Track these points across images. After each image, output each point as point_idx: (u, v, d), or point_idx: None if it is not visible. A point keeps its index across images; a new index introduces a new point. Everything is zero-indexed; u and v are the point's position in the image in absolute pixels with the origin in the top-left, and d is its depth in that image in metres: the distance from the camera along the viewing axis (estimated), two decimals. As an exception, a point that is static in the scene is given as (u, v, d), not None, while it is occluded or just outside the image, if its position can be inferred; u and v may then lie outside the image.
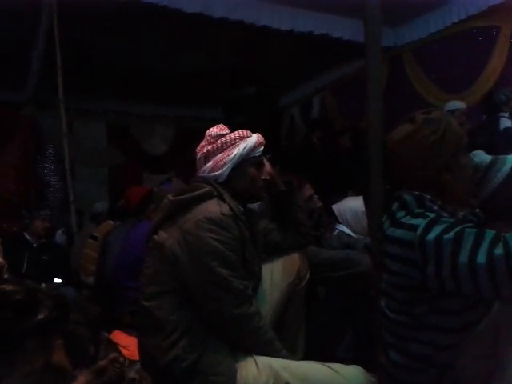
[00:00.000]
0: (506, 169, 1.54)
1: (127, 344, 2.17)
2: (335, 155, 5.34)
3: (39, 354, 0.53)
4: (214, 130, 1.77)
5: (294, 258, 1.92)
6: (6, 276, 0.95)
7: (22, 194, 5.90)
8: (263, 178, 1.82)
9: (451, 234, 1.14)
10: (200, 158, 1.78)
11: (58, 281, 3.56)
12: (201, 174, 1.76)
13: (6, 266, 0.94)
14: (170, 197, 1.73)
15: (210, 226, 1.57)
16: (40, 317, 0.53)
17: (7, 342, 0.50)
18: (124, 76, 5.54)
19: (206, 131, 1.80)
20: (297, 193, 2.04)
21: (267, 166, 1.87)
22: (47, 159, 6.42)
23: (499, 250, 1.07)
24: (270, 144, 1.88)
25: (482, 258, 1.08)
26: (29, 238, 3.99)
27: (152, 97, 6.67)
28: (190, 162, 2.07)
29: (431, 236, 1.17)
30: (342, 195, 3.06)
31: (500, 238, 1.10)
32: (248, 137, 1.76)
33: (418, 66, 5.14)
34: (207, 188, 1.68)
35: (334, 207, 2.61)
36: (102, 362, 1.36)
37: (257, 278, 1.77)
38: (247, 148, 1.73)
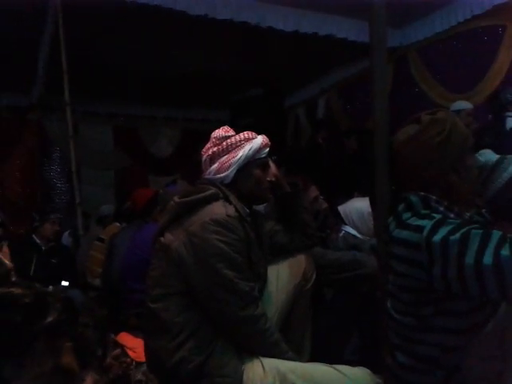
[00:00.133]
0: (511, 169, 1.54)
1: (134, 346, 2.17)
2: (341, 156, 5.34)
3: (48, 357, 0.53)
4: (220, 132, 1.77)
5: (300, 260, 1.92)
6: (13, 279, 0.96)
7: (29, 196, 5.94)
8: (268, 179, 1.82)
9: (457, 235, 1.14)
10: (205, 159, 1.78)
11: (65, 283, 3.58)
12: (206, 176, 1.77)
13: (13, 268, 0.95)
14: (176, 199, 1.73)
15: (216, 227, 1.57)
16: (49, 320, 0.53)
17: (17, 345, 0.51)
18: (129, 79, 5.56)
19: (211, 132, 1.81)
20: (302, 194, 2.04)
21: (273, 167, 1.87)
22: (53, 162, 6.46)
23: (506, 251, 1.07)
24: (276, 145, 1.88)
25: (488, 259, 1.08)
26: (38, 240, 4.02)
27: (158, 99, 6.69)
28: (196, 164, 2.07)
29: (437, 237, 1.17)
30: (348, 196, 3.05)
31: (506, 238, 1.10)
32: (253, 138, 1.76)
33: (424, 66, 5.12)
34: (213, 190, 1.68)
35: (340, 208, 2.60)
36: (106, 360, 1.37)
37: (263, 279, 1.77)
38: (252, 150, 1.73)
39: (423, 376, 1.32)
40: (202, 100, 6.60)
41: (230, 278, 1.55)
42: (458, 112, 4.10)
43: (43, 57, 4.48)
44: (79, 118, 6.05)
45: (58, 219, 4.18)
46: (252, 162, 1.75)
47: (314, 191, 2.61)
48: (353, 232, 2.51)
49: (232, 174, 1.72)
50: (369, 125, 4.71)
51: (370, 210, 2.38)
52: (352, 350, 2.32)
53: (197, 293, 1.60)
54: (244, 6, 4.16)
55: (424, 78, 5.11)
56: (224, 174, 1.72)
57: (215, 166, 1.74)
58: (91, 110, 6.59)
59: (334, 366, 1.59)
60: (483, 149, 1.79)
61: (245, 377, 1.53)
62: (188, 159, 6.64)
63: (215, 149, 1.75)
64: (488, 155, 1.65)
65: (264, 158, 1.79)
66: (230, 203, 1.67)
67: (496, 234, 1.11)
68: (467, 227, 1.16)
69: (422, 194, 1.32)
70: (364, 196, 2.71)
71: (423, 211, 1.28)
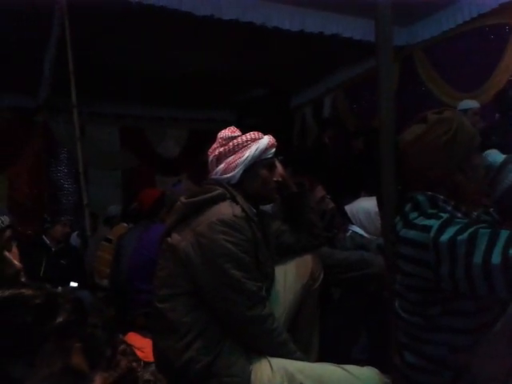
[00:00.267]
0: None
1: (142, 346, 2.18)
2: (347, 156, 5.33)
3: (58, 357, 0.53)
4: (226, 132, 1.78)
5: (307, 260, 1.92)
6: (23, 279, 0.97)
7: (36, 197, 5.97)
8: (275, 179, 1.82)
9: (465, 234, 1.14)
10: (212, 160, 1.78)
11: (73, 284, 3.60)
12: (213, 177, 1.77)
13: (23, 269, 0.96)
14: (183, 199, 1.74)
15: (223, 228, 1.57)
16: (59, 320, 0.54)
17: (27, 346, 0.51)
18: (136, 79, 5.58)
19: (217, 133, 1.81)
20: (308, 194, 2.04)
21: (279, 167, 1.88)
22: (61, 163, 6.49)
23: None
24: (282, 145, 1.88)
25: (496, 258, 1.07)
26: (48, 242, 4.05)
27: (164, 100, 6.71)
28: (203, 164, 2.08)
29: (445, 237, 1.16)
30: (355, 196, 3.04)
31: None
32: (259, 138, 1.76)
33: (430, 65, 5.10)
34: (220, 190, 1.68)
35: (347, 208, 2.60)
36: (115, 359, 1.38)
37: (270, 279, 1.78)
38: (259, 150, 1.73)
39: (431, 376, 1.31)
40: (208, 100, 6.61)
41: (238, 277, 1.55)
42: (465, 111, 4.08)
43: (50, 59, 4.50)
44: (86, 120, 6.08)
45: (69, 221, 4.22)
46: (258, 162, 1.75)
47: (320, 191, 2.60)
48: (360, 231, 2.50)
49: (238, 175, 1.72)
50: (375, 124, 4.70)
51: (376, 209, 2.38)
52: (360, 350, 2.32)
53: (204, 293, 1.60)
54: (249, 6, 4.16)
55: (430, 76, 5.09)
56: (230, 175, 1.72)
57: (222, 166, 1.74)
58: (98, 112, 6.61)
59: (342, 365, 1.59)
60: (490, 148, 1.78)
61: (253, 376, 1.53)
62: (194, 159, 6.65)
63: (222, 149, 1.75)
64: (494, 155, 1.65)
65: (270, 158, 1.79)
66: (237, 203, 1.68)
67: (504, 234, 1.11)
68: (475, 227, 1.15)
69: (429, 193, 1.31)
70: (371, 195, 2.71)
71: (430, 211, 1.28)
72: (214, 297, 1.59)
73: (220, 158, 1.75)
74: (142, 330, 2.38)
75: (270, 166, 1.80)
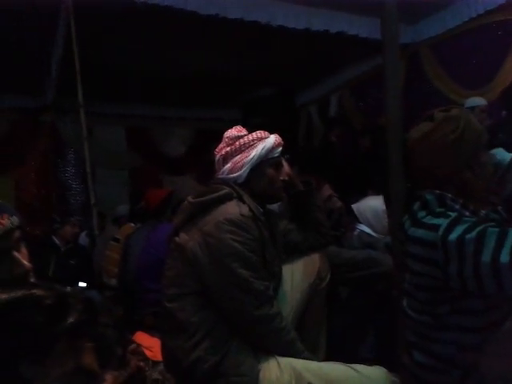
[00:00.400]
0: None
1: (150, 345, 2.18)
2: (354, 154, 5.31)
3: (70, 357, 0.54)
4: (232, 132, 1.78)
5: (315, 259, 1.92)
6: (32, 280, 0.98)
7: (44, 198, 6.00)
8: (282, 178, 1.82)
9: (473, 233, 1.13)
10: (219, 159, 1.79)
11: (82, 284, 3.62)
12: (220, 176, 1.77)
13: (32, 269, 0.96)
14: (190, 199, 1.74)
15: (230, 227, 1.58)
16: (70, 320, 0.54)
17: (39, 346, 0.52)
18: (142, 79, 5.59)
19: (223, 132, 1.81)
20: (315, 193, 2.04)
21: (286, 166, 1.87)
22: (68, 163, 6.52)
23: None
24: (288, 144, 1.88)
25: (505, 257, 1.07)
26: (57, 242, 4.07)
27: (170, 99, 6.72)
28: (209, 164, 2.08)
29: (453, 236, 1.16)
30: (362, 194, 3.04)
31: None
32: (266, 138, 1.77)
33: (437, 63, 5.07)
34: (226, 189, 1.69)
35: (354, 207, 2.59)
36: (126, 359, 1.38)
37: (277, 278, 1.78)
38: (265, 149, 1.73)
39: (440, 375, 1.31)
40: (214, 100, 6.61)
41: (245, 277, 1.56)
42: (472, 108, 4.05)
43: (56, 59, 4.53)
44: (93, 120, 6.10)
45: (78, 221, 4.25)
46: (265, 162, 1.75)
47: (327, 190, 2.61)
48: (367, 230, 2.50)
49: (245, 174, 1.73)
50: (382, 122, 4.68)
51: (384, 208, 2.38)
52: (368, 349, 2.32)
53: (212, 292, 1.61)
54: (255, 4, 4.16)
55: (437, 74, 5.06)
56: (237, 174, 1.73)
57: (228, 165, 1.74)
58: (104, 111, 6.63)
59: (350, 364, 1.59)
60: (497, 146, 1.78)
61: (261, 376, 1.53)
62: (200, 158, 6.66)
63: (228, 148, 1.75)
64: (503, 153, 1.64)
65: (277, 157, 1.79)
66: (244, 203, 1.68)
67: None
68: (483, 225, 1.15)
69: (437, 192, 1.31)
70: (378, 194, 2.70)
71: (438, 209, 1.28)
72: (222, 296, 1.59)
73: (226, 158, 1.76)
74: (150, 330, 2.38)
75: (277, 165, 1.80)
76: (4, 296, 0.52)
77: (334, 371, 1.56)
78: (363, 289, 2.32)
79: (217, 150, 1.80)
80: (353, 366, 1.58)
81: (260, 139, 1.75)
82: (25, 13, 3.76)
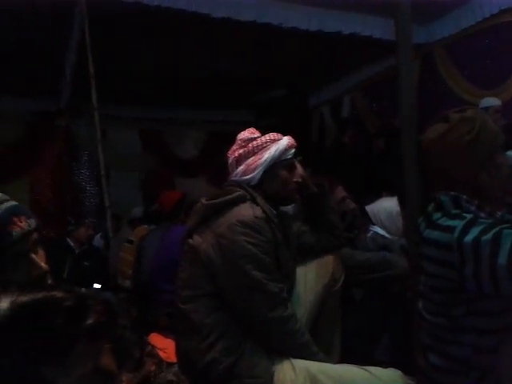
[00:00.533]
0: None
1: (164, 346, 2.20)
2: (368, 155, 5.28)
3: (89, 358, 0.55)
4: (245, 134, 1.78)
5: (328, 261, 1.92)
6: (49, 281, 0.99)
7: (59, 200, 6.07)
8: (295, 180, 1.82)
9: (489, 235, 1.12)
10: (232, 161, 1.79)
11: (97, 286, 3.65)
12: (233, 178, 1.78)
13: (49, 271, 0.98)
14: (204, 201, 1.75)
15: (244, 229, 1.58)
16: (89, 322, 0.55)
17: (59, 347, 0.52)
18: (154, 82, 5.63)
19: (236, 134, 1.82)
20: (329, 195, 2.03)
21: (299, 168, 1.87)
22: (83, 166, 6.59)
23: None
24: (300, 145, 1.88)
25: None
26: (71, 244, 4.11)
27: (183, 102, 6.75)
28: (221, 166, 2.09)
29: (469, 238, 1.15)
30: (376, 196, 3.02)
31: None
32: (279, 139, 1.77)
33: (451, 63, 5.03)
34: (240, 192, 1.69)
35: (368, 208, 2.58)
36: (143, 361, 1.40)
37: (291, 280, 1.77)
38: (278, 151, 1.73)
39: (456, 377, 1.30)
40: (226, 101, 6.63)
41: (259, 279, 1.56)
42: (486, 109, 4.01)
43: (70, 63, 4.58)
44: (106, 122, 6.16)
45: (92, 223, 4.28)
46: (278, 164, 1.75)
47: (341, 192, 2.60)
48: (381, 232, 2.48)
49: (258, 176, 1.73)
50: (396, 123, 4.66)
51: (398, 209, 2.36)
52: (382, 351, 2.30)
53: (225, 294, 1.61)
54: (267, 7, 4.17)
55: (451, 74, 5.02)
56: (250, 176, 1.73)
57: (241, 167, 1.75)
58: (118, 114, 6.69)
59: (364, 367, 1.58)
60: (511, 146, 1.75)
61: (275, 378, 1.53)
62: (213, 160, 6.68)
63: (241, 151, 1.75)
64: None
65: (290, 159, 1.79)
66: (257, 205, 1.68)
67: None
68: (499, 227, 1.14)
69: (453, 193, 1.30)
70: (392, 195, 2.69)
71: (454, 211, 1.27)
72: (236, 298, 1.60)
73: (240, 160, 1.76)
74: (164, 331, 2.39)
75: (290, 167, 1.80)
76: (25, 298, 0.53)
77: (349, 373, 1.56)
78: (378, 291, 2.31)
79: (230, 152, 1.81)
80: (367, 368, 1.57)
81: (273, 141, 1.75)
82: (39, 18, 3.81)
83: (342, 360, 1.82)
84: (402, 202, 1.59)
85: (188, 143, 7.54)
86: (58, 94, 5.54)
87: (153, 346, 2.18)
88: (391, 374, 1.57)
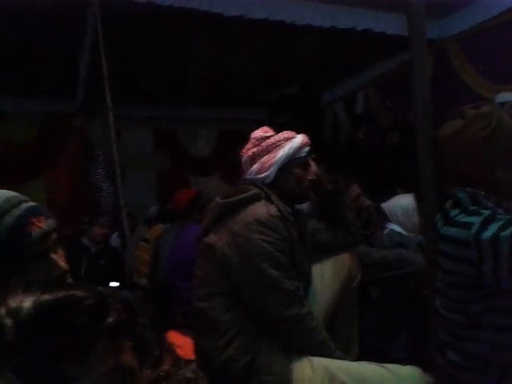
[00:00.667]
0: None
1: (182, 344, 2.20)
2: (382, 151, 5.25)
3: (110, 356, 0.55)
4: (259, 133, 1.79)
5: (344, 258, 1.91)
6: (69, 281, 1.01)
7: (75, 200, 6.14)
8: (309, 178, 1.82)
9: (508, 231, 1.11)
10: (246, 160, 1.80)
11: (114, 284, 3.68)
12: (247, 177, 1.78)
13: (69, 270, 0.99)
14: (219, 199, 1.76)
15: (259, 227, 1.59)
16: (110, 320, 0.56)
17: (80, 346, 0.53)
18: (167, 81, 5.65)
19: (248, 132, 1.82)
20: (344, 192, 2.03)
21: (313, 165, 1.87)
22: (98, 166, 6.65)
23: None
24: (314, 142, 1.88)
25: None
26: (87, 243, 4.14)
27: (195, 100, 6.77)
28: (235, 164, 2.09)
29: (487, 234, 1.14)
30: (391, 193, 3.00)
31: None
32: (293, 138, 1.77)
33: (465, 58, 4.98)
34: (255, 190, 1.70)
35: (384, 205, 2.56)
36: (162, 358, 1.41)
37: (307, 278, 1.78)
38: (292, 149, 1.74)
39: (475, 374, 1.29)
40: (239, 99, 6.63)
41: (275, 277, 1.56)
42: (502, 104, 3.96)
43: (84, 64, 4.62)
44: (120, 123, 6.20)
45: (107, 222, 4.31)
46: (292, 162, 1.75)
47: (356, 189, 2.59)
48: (398, 229, 2.47)
49: (273, 174, 1.73)
50: (410, 116, 4.62)
51: (414, 206, 2.35)
52: (400, 348, 2.29)
53: (241, 292, 1.62)
54: (280, 4, 4.16)
55: (465, 69, 4.96)
56: (265, 174, 1.73)
57: (256, 166, 1.75)
58: (131, 114, 6.73)
59: (383, 364, 1.58)
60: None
61: (293, 375, 1.54)
62: (226, 158, 6.70)
63: (255, 149, 1.76)
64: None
65: (304, 156, 1.79)
66: (272, 203, 1.68)
67: None
68: None
69: (470, 189, 1.29)
70: (407, 192, 2.67)
71: (471, 208, 1.26)
72: (251, 296, 1.60)
73: (254, 158, 1.77)
74: (182, 329, 2.41)
75: (304, 165, 1.80)
76: (47, 297, 0.54)
77: (368, 371, 1.55)
78: (395, 288, 2.29)
79: (244, 150, 1.82)
80: (386, 365, 1.57)
81: (287, 139, 1.75)
82: (53, 20, 3.86)
83: (360, 358, 1.82)
84: (418, 199, 1.58)
85: (201, 142, 7.56)
86: (72, 95, 5.60)
87: (170, 344, 2.20)
88: (410, 371, 1.57)
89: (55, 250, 0.99)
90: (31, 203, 0.95)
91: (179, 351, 2.13)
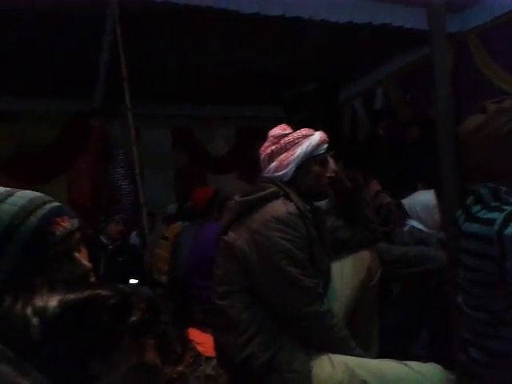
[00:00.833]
0: None
1: (202, 341, 2.22)
2: (402, 146, 5.20)
3: (134, 354, 0.56)
4: (277, 131, 1.79)
5: (364, 256, 1.90)
6: (92, 279, 1.02)
7: (96, 199, 6.22)
8: (328, 175, 1.81)
9: (531, 227, 1.10)
10: (264, 158, 1.80)
11: (133, 281, 3.71)
12: (266, 175, 1.79)
13: (92, 269, 1.01)
14: (237, 198, 1.76)
15: (278, 225, 1.59)
16: (134, 319, 0.56)
17: (105, 344, 0.54)
18: (185, 80, 5.68)
19: (266, 129, 1.83)
20: (363, 189, 2.01)
21: (331, 163, 1.86)
22: (118, 164, 6.72)
23: None
24: (332, 139, 1.87)
25: None
26: (105, 240, 4.19)
27: (213, 99, 6.79)
28: (252, 161, 2.09)
29: (510, 230, 1.13)
30: (412, 189, 2.97)
31: None
32: (311, 135, 1.76)
33: (486, 52, 4.89)
34: (273, 188, 1.70)
35: (404, 201, 2.54)
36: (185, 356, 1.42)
37: (326, 276, 1.77)
38: (311, 146, 1.73)
39: (498, 372, 1.28)
40: (256, 97, 6.63)
41: (294, 274, 1.56)
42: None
43: (103, 64, 4.67)
44: (139, 121, 6.25)
45: (122, 219, 4.33)
46: (310, 159, 1.75)
47: (375, 186, 2.57)
48: (418, 226, 2.44)
49: (291, 172, 1.73)
50: (430, 113, 4.56)
51: (434, 202, 2.32)
52: (421, 346, 2.28)
53: (261, 290, 1.62)
54: (296, 0, 4.13)
55: (487, 63, 4.87)
56: (283, 172, 1.73)
57: (274, 164, 1.75)
58: (150, 113, 6.77)
59: (404, 362, 1.57)
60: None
61: (314, 372, 1.54)
62: (244, 157, 6.71)
63: (273, 147, 1.76)
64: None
65: (322, 154, 1.79)
66: (291, 201, 1.68)
67: None
68: None
69: (491, 185, 1.27)
70: (428, 188, 2.64)
71: (493, 203, 1.24)
72: (271, 294, 1.61)
73: (272, 156, 1.77)
74: (202, 326, 2.43)
75: (323, 162, 1.80)
76: (72, 296, 0.55)
77: (388, 368, 1.55)
78: (416, 285, 2.27)
79: (262, 148, 1.82)
80: (407, 363, 1.56)
81: (305, 137, 1.75)
82: (73, 21, 3.90)
83: (380, 355, 1.81)
84: (438, 195, 1.56)
85: (218, 140, 7.58)
86: (92, 95, 5.67)
87: (191, 341, 2.21)
88: (431, 368, 1.55)
89: (79, 249, 1.00)
90: (55, 203, 0.97)
91: (200, 348, 2.15)
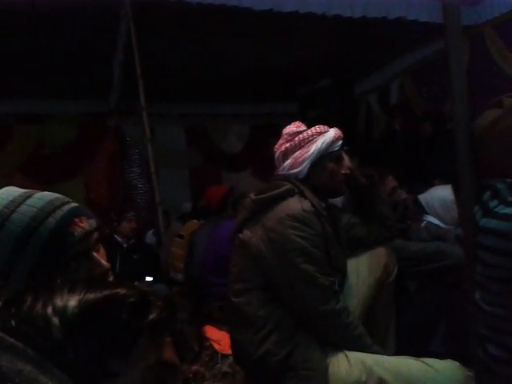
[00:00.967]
0: None
1: (219, 338, 2.24)
2: (417, 142, 5.14)
3: (151, 352, 0.57)
4: (291, 128, 1.78)
5: (380, 253, 1.89)
6: (111, 278, 1.03)
7: (112, 198, 6.28)
8: (343, 172, 1.81)
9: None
10: (279, 156, 1.80)
11: (149, 279, 3.74)
12: (280, 172, 1.78)
13: (110, 268, 1.02)
14: (252, 196, 1.76)
15: (293, 222, 1.59)
16: (152, 317, 0.57)
17: (123, 342, 0.55)
18: (198, 78, 5.69)
19: (280, 126, 1.82)
20: (378, 186, 2.00)
21: (346, 159, 1.85)
22: (133, 164, 6.77)
23: None
24: (347, 135, 1.86)
25: None
26: (119, 239, 4.22)
27: (226, 96, 6.79)
28: (266, 159, 2.09)
29: None
30: (429, 185, 2.93)
31: None
32: (325, 132, 1.76)
33: (503, 44, 4.81)
34: (288, 186, 1.70)
35: (421, 197, 2.51)
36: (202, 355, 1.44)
37: (342, 273, 1.77)
38: (325, 143, 1.73)
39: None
40: (270, 94, 6.61)
41: (310, 272, 1.56)
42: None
43: (118, 64, 4.71)
44: (154, 121, 6.29)
45: (134, 217, 4.33)
46: (325, 156, 1.75)
47: (391, 182, 2.55)
48: (435, 222, 2.41)
49: (306, 169, 1.73)
50: (445, 109, 4.50)
51: (452, 197, 2.29)
52: (439, 342, 2.26)
53: (277, 287, 1.62)
54: (309, -4, 4.12)
55: (504, 56, 4.79)
56: (298, 170, 1.73)
57: (289, 161, 1.75)
58: (164, 112, 6.81)
59: (421, 359, 1.56)
60: None
61: (330, 370, 1.53)
62: (258, 154, 6.71)
63: (288, 145, 1.76)
64: None
65: (337, 150, 1.78)
66: (306, 198, 1.68)
67: None
68: None
69: (509, 180, 1.26)
70: (445, 184, 2.61)
71: (510, 198, 1.23)
72: (287, 291, 1.61)
73: (286, 154, 1.77)
74: (218, 323, 2.44)
75: (337, 159, 1.79)
76: (91, 296, 0.56)
77: (406, 365, 1.54)
78: (433, 282, 2.25)
79: (276, 146, 1.82)
80: (424, 359, 1.55)
81: (319, 134, 1.74)
82: (88, 22, 3.94)
83: (397, 352, 1.80)
84: (455, 190, 1.54)
85: (232, 138, 7.59)
86: (107, 95, 5.72)
87: (207, 338, 2.23)
88: (449, 365, 1.54)
89: (97, 248, 1.01)
90: (74, 204, 0.98)
91: (216, 346, 2.16)
